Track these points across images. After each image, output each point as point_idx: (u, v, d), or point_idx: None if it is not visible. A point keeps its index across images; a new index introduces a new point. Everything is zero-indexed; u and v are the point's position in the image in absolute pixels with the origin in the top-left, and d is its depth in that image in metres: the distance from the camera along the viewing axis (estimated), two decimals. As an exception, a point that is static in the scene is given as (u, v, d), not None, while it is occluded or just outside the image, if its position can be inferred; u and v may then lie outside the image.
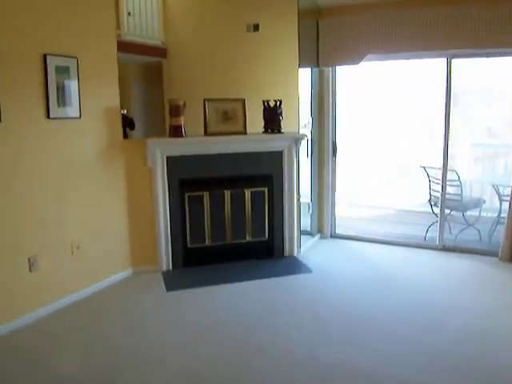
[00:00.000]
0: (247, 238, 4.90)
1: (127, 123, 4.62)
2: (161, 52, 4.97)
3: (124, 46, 4.35)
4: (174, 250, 4.63)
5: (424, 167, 5.72)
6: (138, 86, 5.30)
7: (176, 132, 4.41)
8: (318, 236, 5.71)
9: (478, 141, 7.29)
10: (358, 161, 7.68)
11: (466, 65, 7.15)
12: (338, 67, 5.38)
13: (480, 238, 5.50)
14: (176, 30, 4.91)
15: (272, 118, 4.71)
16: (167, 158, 4.47)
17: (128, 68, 4.87)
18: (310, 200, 5.73)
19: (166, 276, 4.49)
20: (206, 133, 4.55)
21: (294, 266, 4.75)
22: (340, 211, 6.52)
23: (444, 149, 5.05)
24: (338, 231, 5.81)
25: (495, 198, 5.61)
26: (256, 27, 4.85)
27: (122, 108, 4.31)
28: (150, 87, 5.35)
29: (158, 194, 4.47)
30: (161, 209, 4.50)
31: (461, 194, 5.35)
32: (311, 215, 5.75)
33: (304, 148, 5.44)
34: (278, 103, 4.68)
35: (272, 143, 4.78)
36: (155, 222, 4.51)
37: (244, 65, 4.87)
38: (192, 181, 4.61)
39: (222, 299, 3.97)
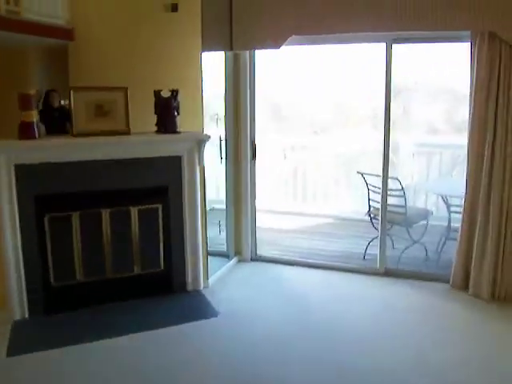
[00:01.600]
0: (135, 269, 3.77)
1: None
2: (65, 33, 3.59)
3: (11, 25, 3.08)
4: (30, 291, 3.42)
5: (362, 174, 4.76)
6: (41, 74, 3.95)
7: (26, 131, 3.21)
8: (235, 259, 4.64)
9: (422, 141, 6.47)
10: (288, 161, 6.67)
11: (413, 54, 6.36)
12: (258, 51, 4.32)
13: (427, 257, 4.62)
14: (85, 8, 3.58)
15: (166, 113, 3.59)
16: (16, 166, 3.26)
17: (28, 53, 3.54)
18: (225, 214, 4.66)
19: (17, 328, 3.29)
20: (72, 133, 3.38)
21: (196, 308, 3.67)
22: (265, 222, 5.53)
23: (384, 152, 4.11)
24: (261, 251, 4.76)
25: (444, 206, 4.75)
26: (174, 7, 3.69)
27: None
28: (54, 75, 4.05)
29: (2, 217, 3.26)
30: (7, 236, 3.29)
31: (405, 206, 4.43)
32: (226, 233, 4.67)
33: (217, 150, 4.38)
34: (174, 94, 3.57)
35: (167, 146, 3.67)
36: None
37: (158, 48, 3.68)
38: (55, 197, 3.43)
39: (87, 368, 2.83)
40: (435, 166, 5.76)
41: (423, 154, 5.90)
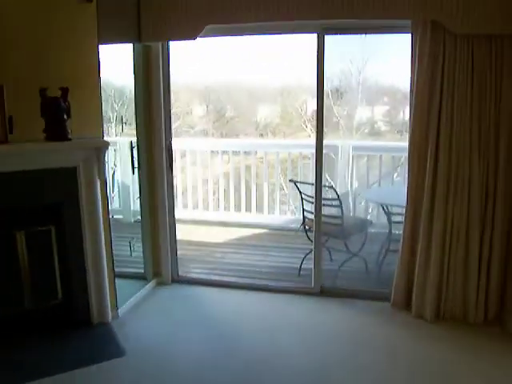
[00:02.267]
0: (26, 303, 3.15)
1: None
2: None
3: None
4: None
5: (294, 182, 4.31)
6: None
7: None
8: (153, 282, 4.07)
9: (363, 144, 6.14)
10: (225, 166, 6.15)
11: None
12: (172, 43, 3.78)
13: (367, 271, 4.22)
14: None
15: (54, 116, 2.99)
16: None
17: None
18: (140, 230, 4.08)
19: None
20: None
21: (97, 346, 3.09)
22: (193, 235, 5.02)
23: (316, 158, 3.66)
24: (185, 271, 4.23)
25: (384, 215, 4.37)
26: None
27: None
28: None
29: None
30: None
31: (341, 217, 4.00)
32: (143, 252, 4.10)
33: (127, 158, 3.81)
34: (63, 93, 2.97)
35: (57, 156, 3.08)
36: None
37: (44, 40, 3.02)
38: None
39: None
40: (376, 171, 5.38)
41: (362, 158, 5.52)
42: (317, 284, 3.84)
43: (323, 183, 3.76)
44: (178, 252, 4.14)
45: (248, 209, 5.88)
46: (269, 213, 5.82)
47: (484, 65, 3.06)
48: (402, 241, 3.45)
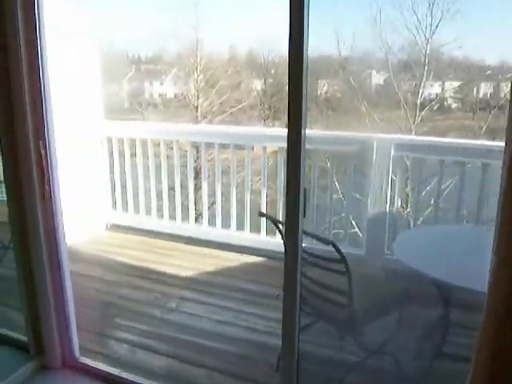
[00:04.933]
0: None
1: None
2: None
3: None
4: None
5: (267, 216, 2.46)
6: None
7: None
8: (33, 363, 2.43)
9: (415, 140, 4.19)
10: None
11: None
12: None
13: (399, 377, 2.37)
14: None
15: None
16: None
17: None
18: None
19: None
20: None
21: None
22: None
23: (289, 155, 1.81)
24: (89, 348, 2.55)
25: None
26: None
27: None
28: None
29: None
30: None
31: (349, 293, 2.13)
32: (24, 311, 2.45)
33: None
34: None
35: None
36: None
37: None
38: None
39: None
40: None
41: (413, 163, 3.56)
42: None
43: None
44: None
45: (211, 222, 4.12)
46: (251, 231, 3.98)
47: None
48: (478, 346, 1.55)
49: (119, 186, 4.37)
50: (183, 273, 3.56)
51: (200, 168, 4.42)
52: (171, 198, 4.21)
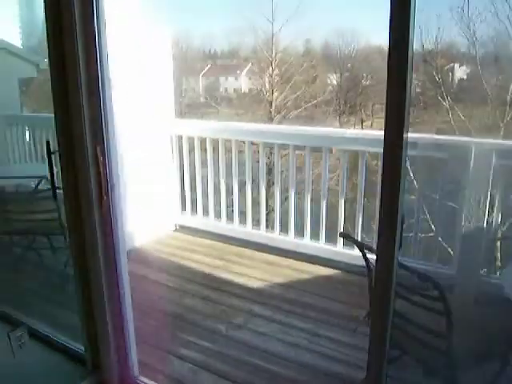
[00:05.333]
0: None
1: None
2: None
3: None
4: None
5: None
6: None
7: None
8: (89, 380, 2.28)
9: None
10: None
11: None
12: None
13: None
14: None
15: None
16: None
17: None
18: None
19: None
20: None
21: None
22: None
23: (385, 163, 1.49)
24: (152, 366, 2.37)
25: None
26: None
27: None
28: None
29: None
30: None
31: (449, 329, 1.78)
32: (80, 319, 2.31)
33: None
34: None
35: None
36: None
37: None
38: None
39: None
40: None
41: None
42: None
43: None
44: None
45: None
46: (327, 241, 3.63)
47: None
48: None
49: (189, 187, 4.20)
50: (252, 283, 3.31)
51: (272, 168, 4.16)
52: (242, 201, 3.98)
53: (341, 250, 3.48)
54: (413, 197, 3.32)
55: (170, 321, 2.89)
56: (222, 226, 4.04)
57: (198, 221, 4.17)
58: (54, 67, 1.78)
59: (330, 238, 3.60)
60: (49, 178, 1.98)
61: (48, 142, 1.95)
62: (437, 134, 9.15)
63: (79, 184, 1.81)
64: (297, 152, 3.70)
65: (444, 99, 10.00)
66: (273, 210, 3.80)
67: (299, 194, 3.75)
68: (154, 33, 3.82)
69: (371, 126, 14.12)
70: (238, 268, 3.55)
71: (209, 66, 15.47)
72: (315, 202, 3.62)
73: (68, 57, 1.73)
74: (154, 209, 4.00)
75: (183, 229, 4.26)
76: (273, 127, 4.04)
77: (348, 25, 14.69)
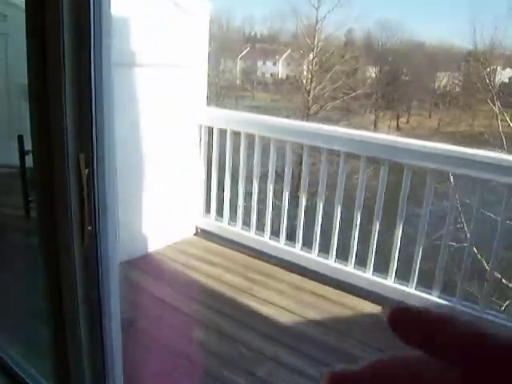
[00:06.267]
0: None
1: None
2: None
3: None
4: None
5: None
6: None
7: None
8: None
9: None
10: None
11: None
12: None
13: None
14: None
15: None
16: None
17: None
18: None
19: None
20: None
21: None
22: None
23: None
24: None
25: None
26: None
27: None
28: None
29: None
30: None
31: None
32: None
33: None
34: None
35: None
36: None
37: None
38: None
39: None
40: None
41: None
42: None
43: None
44: None
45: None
46: (375, 271, 3.00)
47: None
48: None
49: (215, 187, 3.62)
50: (280, 316, 2.72)
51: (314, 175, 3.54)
52: (276, 211, 3.38)
53: (393, 285, 2.85)
54: None
55: (168, 361, 2.32)
56: (250, 237, 3.45)
57: (222, 227, 3.59)
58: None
59: (379, 267, 2.99)
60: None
61: (21, 137, 1.37)
62: None
63: (56, 209, 1.24)
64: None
65: (493, 103, 9.36)
66: (313, 225, 3.17)
67: (349, 212, 3.12)
68: (190, 7, 3.25)
69: (407, 123, 13.69)
70: (264, 293, 2.96)
71: (247, 48, 14.84)
72: (366, 224, 3.00)
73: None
74: (174, 208, 3.44)
75: (204, 233, 3.69)
76: (322, 128, 3.36)
77: (393, 16, 13.97)
